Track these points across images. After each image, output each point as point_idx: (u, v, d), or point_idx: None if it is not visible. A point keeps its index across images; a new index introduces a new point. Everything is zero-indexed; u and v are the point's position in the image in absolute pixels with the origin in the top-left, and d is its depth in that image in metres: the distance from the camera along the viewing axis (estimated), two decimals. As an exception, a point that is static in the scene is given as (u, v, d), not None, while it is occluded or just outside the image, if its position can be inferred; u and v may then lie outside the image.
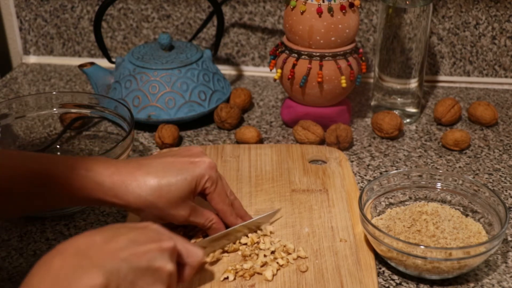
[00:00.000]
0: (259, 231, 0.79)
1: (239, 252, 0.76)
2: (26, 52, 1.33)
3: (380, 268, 0.76)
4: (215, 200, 0.74)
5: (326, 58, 0.99)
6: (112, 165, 0.69)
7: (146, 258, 0.56)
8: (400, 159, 0.98)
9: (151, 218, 0.71)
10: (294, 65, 1.00)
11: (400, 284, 0.74)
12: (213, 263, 0.74)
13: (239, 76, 1.27)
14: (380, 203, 0.82)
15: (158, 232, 0.60)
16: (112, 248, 0.55)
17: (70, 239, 0.55)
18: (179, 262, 0.62)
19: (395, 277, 0.75)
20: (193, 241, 0.76)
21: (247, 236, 0.78)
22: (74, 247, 0.55)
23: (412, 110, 1.09)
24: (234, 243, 0.76)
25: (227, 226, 0.76)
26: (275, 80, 1.03)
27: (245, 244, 0.77)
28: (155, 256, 0.57)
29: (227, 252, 0.76)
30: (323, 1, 0.96)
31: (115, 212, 0.85)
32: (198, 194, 0.74)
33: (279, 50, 1.03)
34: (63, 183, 0.67)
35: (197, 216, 0.73)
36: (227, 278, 0.72)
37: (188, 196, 0.71)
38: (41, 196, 0.68)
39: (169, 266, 0.58)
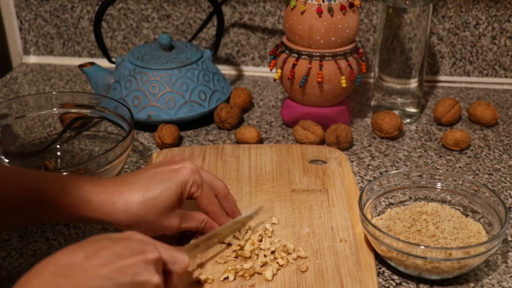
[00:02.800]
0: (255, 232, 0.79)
1: (237, 249, 0.76)
2: (26, 52, 1.33)
3: (380, 268, 0.76)
4: (204, 202, 0.74)
5: (326, 58, 0.99)
6: (100, 184, 0.70)
7: (131, 273, 0.55)
8: (400, 159, 0.98)
9: (143, 232, 0.71)
10: (294, 65, 1.00)
11: (400, 284, 0.74)
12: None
13: (239, 76, 1.27)
14: (380, 203, 0.82)
15: (142, 242, 0.59)
16: (94, 265, 0.53)
17: (50, 256, 0.54)
18: (165, 270, 0.61)
19: (395, 277, 0.75)
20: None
21: (236, 237, 0.78)
22: (53, 266, 0.53)
23: (412, 110, 1.09)
24: (226, 241, 0.77)
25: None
26: (275, 80, 1.03)
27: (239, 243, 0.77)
28: (140, 270, 0.56)
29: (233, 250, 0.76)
30: (323, 1, 0.96)
31: (115, 212, 0.85)
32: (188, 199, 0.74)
33: (279, 50, 1.03)
34: (53, 201, 0.67)
35: (188, 221, 0.74)
36: (227, 278, 0.72)
37: (175, 205, 0.72)
38: (31, 212, 0.68)
39: (155, 278, 0.57)
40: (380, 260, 0.77)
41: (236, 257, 0.75)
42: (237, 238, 0.77)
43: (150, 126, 1.05)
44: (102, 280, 0.53)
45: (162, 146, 0.99)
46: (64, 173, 0.77)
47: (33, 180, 0.68)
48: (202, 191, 0.73)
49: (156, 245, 0.60)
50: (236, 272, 0.72)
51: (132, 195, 0.69)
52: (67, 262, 0.53)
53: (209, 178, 0.76)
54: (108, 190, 0.69)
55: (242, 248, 0.76)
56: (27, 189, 0.67)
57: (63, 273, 0.52)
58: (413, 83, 1.07)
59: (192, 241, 0.74)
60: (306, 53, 0.99)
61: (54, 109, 0.95)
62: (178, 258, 0.62)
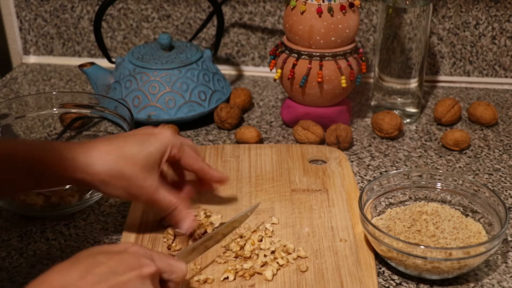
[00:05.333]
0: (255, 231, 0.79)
1: (237, 250, 0.76)
2: (26, 52, 1.33)
3: (380, 268, 0.76)
4: (189, 162, 0.75)
5: (326, 58, 0.99)
6: (82, 145, 0.71)
7: None
8: (400, 159, 0.98)
9: (119, 193, 0.71)
10: (294, 65, 1.00)
11: (400, 284, 0.74)
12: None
13: (239, 76, 1.27)
14: (380, 203, 0.82)
15: (138, 255, 0.57)
16: (88, 284, 0.52)
17: (43, 275, 0.52)
18: (162, 279, 0.60)
19: (395, 277, 0.75)
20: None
21: (238, 237, 0.78)
22: (50, 285, 0.51)
23: (412, 110, 1.09)
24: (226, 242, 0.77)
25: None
26: (275, 80, 1.03)
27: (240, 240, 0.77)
28: (136, 286, 0.55)
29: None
30: (323, 1, 0.96)
31: (115, 212, 0.85)
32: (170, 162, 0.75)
33: (279, 50, 1.03)
34: (36, 162, 0.69)
35: (161, 195, 0.73)
36: (227, 278, 0.72)
37: (153, 165, 0.72)
38: (23, 176, 0.69)
39: None
40: (380, 260, 0.77)
41: (236, 257, 0.75)
42: (237, 238, 0.77)
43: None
44: None
45: (162, 146, 0.99)
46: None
47: (25, 145, 0.71)
48: (183, 152, 0.75)
49: (152, 256, 0.59)
50: (236, 272, 0.72)
51: (111, 150, 0.71)
52: (61, 283, 0.52)
53: (188, 143, 0.77)
54: (88, 148, 0.70)
55: (242, 248, 0.76)
56: (11, 155, 0.68)
57: None
58: (413, 83, 1.07)
59: (189, 246, 0.73)
60: (306, 53, 0.99)
61: (54, 109, 0.95)
62: (175, 267, 0.61)
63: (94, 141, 0.72)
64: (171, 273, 0.61)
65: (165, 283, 0.61)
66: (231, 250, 0.75)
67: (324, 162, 0.95)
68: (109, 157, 0.70)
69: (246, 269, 0.72)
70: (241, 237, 0.77)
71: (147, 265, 0.57)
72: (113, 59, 1.11)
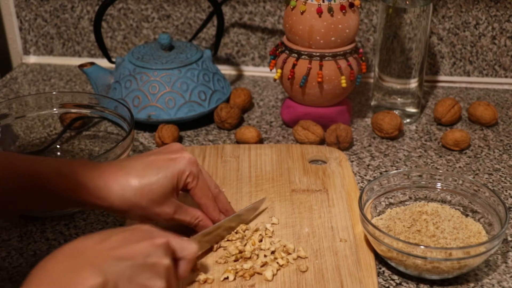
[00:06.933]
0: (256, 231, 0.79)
1: (236, 253, 0.76)
2: (26, 52, 1.33)
3: (380, 268, 0.76)
4: (197, 195, 0.75)
5: (326, 58, 0.99)
6: (96, 168, 0.70)
7: (142, 254, 0.56)
8: (400, 159, 0.98)
9: (137, 219, 0.72)
10: (294, 65, 1.00)
11: (400, 284, 0.74)
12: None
13: (239, 76, 1.27)
14: (380, 203, 0.82)
15: (150, 230, 0.60)
16: (106, 248, 0.55)
17: (65, 244, 0.56)
18: (175, 258, 0.62)
19: (395, 277, 0.75)
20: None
21: (237, 231, 0.78)
22: (69, 249, 0.55)
23: (412, 110, 1.09)
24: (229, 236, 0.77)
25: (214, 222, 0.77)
26: (275, 80, 1.03)
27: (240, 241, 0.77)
28: (150, 252, 0.57)
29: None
30: (323, 1, 0.96)
31: (115, 212, 0.85)
32: (182, 190, 0.74)
33: (279, 50, 1.03)
34: (49, 185, 0.68)
35: (182, 214, 0.74)
36: (227, 278, 0.72)
37: (170, 193, 0.72)
38: (27, 197, 0.69)
39: (165, 260, 0.58)
40: (380, 260, 0.77)
41: (235, 260, 0.75)
42: (236, 241, 0.77)
43: (150, 126, 1.05)
44: (115, 261, 0.54)
45: (162, 146, 0.99)
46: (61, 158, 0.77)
47: (29, 164, 0.69)
48: (197, 183, 0.74)
49: (163, 233, 0.61)
50: (236, 272, 0.72)
51: (128, 181, 0.70)
52: (81, 246, 0.55)
53: (205, 173, 0.77)
54: (103, 174, 0.69)
55: (241, 252, 0.75)
56: (23, 174, 0.68)
57: (78, 255, 0.54)
58: (413, 83, 1.07)
59: (199, 233, 0.74)
60: (306, 53, 0.99)
61: (54, 109, 0.95)
62: (186, 245, 0.62)
63: (112, 167, 0.71)
64: (182, 250, 0.62)
65: (177, 264, 0.62)
66: (230, 253, 0.75)
67: (324, 162, 0.95)
68: (126, 191, 0.69)
69: (246, 269, 0.72)
70: (242, 238, 0.77)
71: (159, 236, 0.60)
72: (113, 59, 1.11)
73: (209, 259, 0.75)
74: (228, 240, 0.77)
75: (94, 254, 0.54)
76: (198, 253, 0.65)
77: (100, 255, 0.55)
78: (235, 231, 0.78)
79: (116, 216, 0.85)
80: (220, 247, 0.77)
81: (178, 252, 0.62)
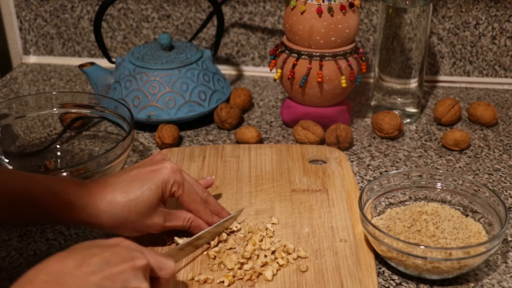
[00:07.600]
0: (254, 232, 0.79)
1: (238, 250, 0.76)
2: (26, 52, 1.33)
3: (380, 268, 0.76)
4: (186, 201, 0.75)
5: (326, 58, 0.99)
6: (84, 186, 0.71)
7: (120, 280, 0.55)
8: (400, 159, 0.98)
9: (129, 233, 0.72)
10: (294, 65, 1.00)
11: (400, 284, 0.74)
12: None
13: (239, 76, 1.27)
14: (380, 203, 0.82)
15: (130, 249, 0.59)
16: (84, 273, 0.54)
17: (40, 264, 0.54)
18: (152, 276, 0.61)
19: (395, 277, 0.75)
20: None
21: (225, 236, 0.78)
22: (45, 274, 0.53)
23: (412, 110, 1.09)
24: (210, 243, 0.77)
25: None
26: (275, 80, 1.03)
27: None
28: (129, 277, 0.56)
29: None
30: (323, 1, 0.96)
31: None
32: (171, 197, 0.75)
33: (279, 50, 1.03)
34: (40, 203, 0.69)
35: (173, 220, 0.75)
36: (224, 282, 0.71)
37: (157, 204, 0.73)
38: (21, 214, 0.69)
39: (144, 285, 0.57)
40: (380, 260, 0.77)
41: (239, 265, 0.74)
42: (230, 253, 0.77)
43: (150, 126, 1.05)
44: (93, 287, 0.53)
45: (162, 146, 0.99)
46: (53, 175, 0.78)
47: (22, 182, 0.69)
48: (183, 190, 0.74)
49: (143, 251, 0.61)
50: (234, 276, 0.72)
51: (114, 197, 0.70)
52: (58, 270, 0.54)
53: (190, 179, 0.77)
54: (91, 192, 0.70)
55: (241, 265, 0.75)
56: (15, 191, 0.68)
57: (55, 281, 0.53)
58: (413, 83, 1.07)
59: (178, 244, 0.74)
60: (306, 53, 0.99)
61: (54, 109, 0.95)
62: (164, 264, 0.62)
63: (101, 184, 0.71)
64: (161, 269, 0.62)
65: (155, 282, 0.62)
66: (226, 266, 0.73)
67: (324, 162, 0.95)
68: (113, 208, 0.70)
69: (246, 269, 0.72)
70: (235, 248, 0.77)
71: (139, 257, 0.59)
72: (113, 59, 1.11)
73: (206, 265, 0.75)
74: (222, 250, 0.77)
75: (72, 281, 0.53)
76: (175, 271, 0.65)
77: (78, 282, 0.53)
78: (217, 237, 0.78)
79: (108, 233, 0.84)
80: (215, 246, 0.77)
81: (156, 271, 0.62)
